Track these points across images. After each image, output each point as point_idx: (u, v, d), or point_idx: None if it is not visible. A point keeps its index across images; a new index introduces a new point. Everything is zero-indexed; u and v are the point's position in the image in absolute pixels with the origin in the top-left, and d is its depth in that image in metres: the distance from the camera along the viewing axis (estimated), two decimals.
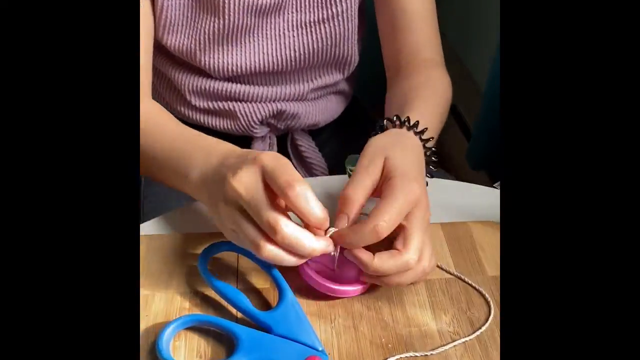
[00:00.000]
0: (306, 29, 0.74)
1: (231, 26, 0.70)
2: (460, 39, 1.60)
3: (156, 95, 0.80)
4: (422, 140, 0.59)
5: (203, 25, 0.71)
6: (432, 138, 0.61)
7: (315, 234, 0.48)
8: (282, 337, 0.49)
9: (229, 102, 0.77)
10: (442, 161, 0.65)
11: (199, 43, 0.72)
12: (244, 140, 0.79)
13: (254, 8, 0.70)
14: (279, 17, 0.73)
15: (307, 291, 0.54)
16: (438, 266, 0.57)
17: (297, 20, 0.73)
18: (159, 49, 0.74)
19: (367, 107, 0.96)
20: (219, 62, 0.73)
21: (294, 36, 0.74)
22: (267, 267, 0.53)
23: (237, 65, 0.73)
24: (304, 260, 0.49)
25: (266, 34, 0.73)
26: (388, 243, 0.50)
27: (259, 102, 0.77)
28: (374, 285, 0.54)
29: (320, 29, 0.74)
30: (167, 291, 0.54)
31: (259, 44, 0.73)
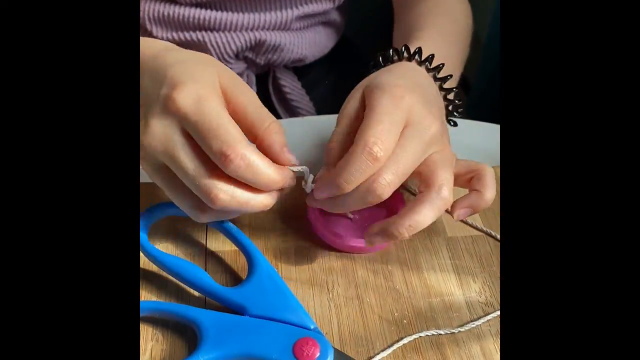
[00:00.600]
0: None
1: None
2: None
3: None
4: (437, 79, 0.46)
5: None
6: (451, 76, 0.47)
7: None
8: (260, 318, 0.37)
9: (197, 32, 0.64)
10: None
11: None
12: None
13: None
14: None
15: (290, 252, 0.42)
16: (462, 221, 0.45)
17: None
18: None
19: (361, 47, 0.84)
20: None
21: None
22: (226, 227, 0.41)
23: None
24: (259, 204, 0.37)
25: None
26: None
27: (234, 31, 0.64)
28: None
29: None
30: None
31: None
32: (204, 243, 0.43)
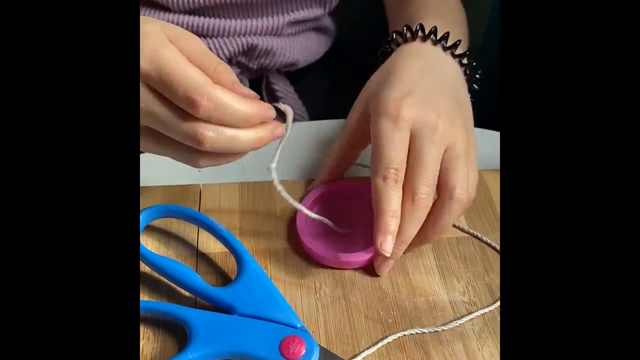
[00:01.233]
0: None
1: None
2: None
3: None
4: (455, 56, 0.47)
5: None
6: (467, 53, 0.48)
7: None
8: (249, 317, 0.38)
9: None
10: None
11: None
12: None
13: None
14: None
15: (279, 254, 0.43)
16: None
17: None
18: None
19: (354, 52, 0.85)
20: None
21: None
22: (216, 230, 0.42)
23: None
24: (251, 141, 0.37)
25: None
26: None
27: (227, 37, 0.65)
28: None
29: None
30: None
31: None
32: (195, 245, 0.44)
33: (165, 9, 0.64)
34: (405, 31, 0.48)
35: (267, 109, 0.38)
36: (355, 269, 0.43)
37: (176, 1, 0.62)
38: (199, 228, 0.44)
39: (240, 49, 0.66)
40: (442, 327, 0.39)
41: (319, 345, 0.37)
